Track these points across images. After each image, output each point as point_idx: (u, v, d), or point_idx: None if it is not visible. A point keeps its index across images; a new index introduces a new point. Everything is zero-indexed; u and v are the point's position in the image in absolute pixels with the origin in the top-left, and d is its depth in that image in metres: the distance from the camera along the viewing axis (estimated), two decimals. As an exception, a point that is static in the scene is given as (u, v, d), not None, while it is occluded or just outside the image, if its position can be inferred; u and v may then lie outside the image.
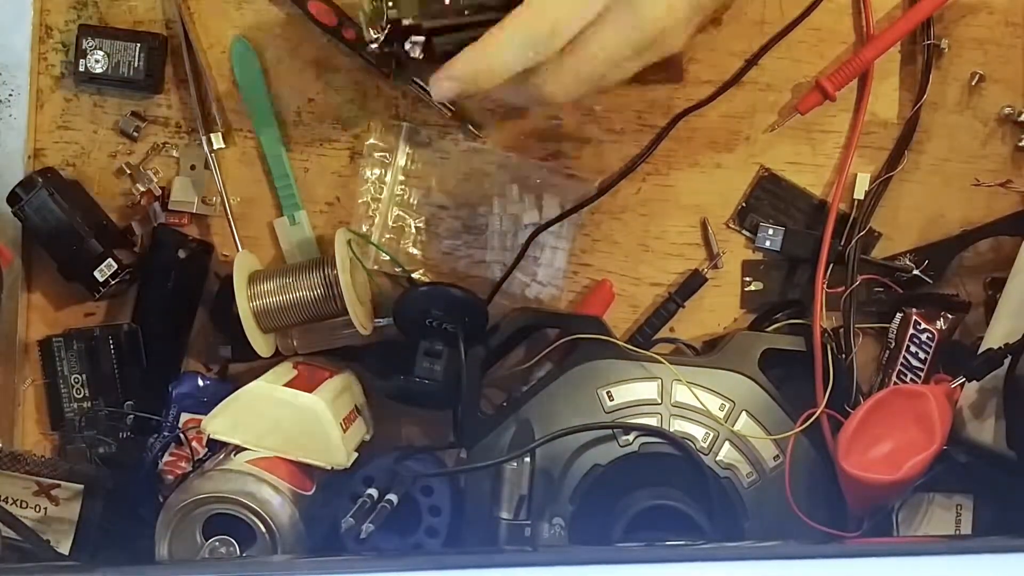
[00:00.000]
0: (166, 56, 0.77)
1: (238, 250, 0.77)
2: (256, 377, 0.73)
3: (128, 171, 0.77)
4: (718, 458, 0.72)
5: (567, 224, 0.77)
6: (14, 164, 0.77)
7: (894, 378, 0.75)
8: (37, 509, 0.72)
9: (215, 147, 0.77)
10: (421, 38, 0.61)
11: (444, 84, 0.61)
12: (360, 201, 0.78)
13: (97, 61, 0.75)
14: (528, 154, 0.77)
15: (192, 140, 0.78)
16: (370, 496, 0.69)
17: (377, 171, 0.78)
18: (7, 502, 0.71)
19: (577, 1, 0.59)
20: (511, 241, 0.77)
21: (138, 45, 0.75)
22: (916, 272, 0.76)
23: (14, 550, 0.69)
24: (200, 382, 0.77)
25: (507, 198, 0.77)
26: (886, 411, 0.69)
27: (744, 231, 0.78)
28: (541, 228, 0.76)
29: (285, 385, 0.72)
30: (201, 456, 0.75)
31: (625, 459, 0.71)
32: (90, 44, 0.75)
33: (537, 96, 0.62)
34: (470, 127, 0.77)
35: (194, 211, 0.78)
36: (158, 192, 0.78)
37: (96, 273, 0.74)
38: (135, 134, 0.77)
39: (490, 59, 0.60)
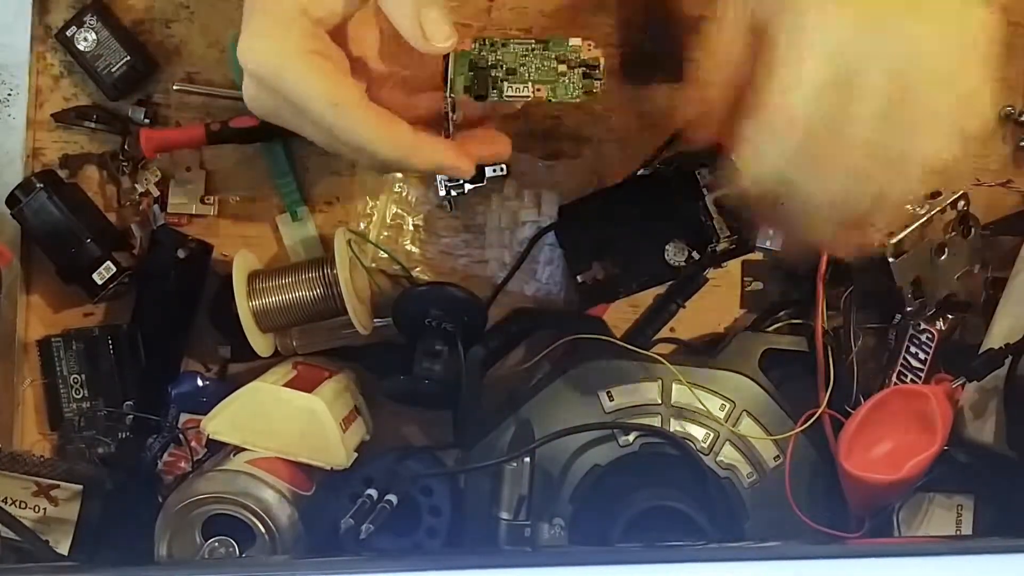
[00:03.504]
0: (143, 81, 0.77)
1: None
2: (256, 377, 0.73)
3: (127, 173, 0.77)
4: (718, 458, 0.72)
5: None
6: (13, 164, 0.77)
7: (894, 378, 0.75)
8: (36, 509, 0.72)
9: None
10: None
11: None
12: (358, 199, 0.78)
13: (84, 39, 0.74)
14: (528, 153, 0.77)
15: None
16: (370, 496, 0.69)
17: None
18: (6, 502, 0.71)
19: None
20: (509, 238, 0.77)
21: (127, 57, 0.75)
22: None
23: (13, 550, 0.69)
24: (199, 382, 0.77)
25: (505, 195, 0.77)
26: (887, 411, 0.69)
27: (744, 231, 0.78)
28: (545, 230, 0.76)
29: (284, 385, 0.72)
30: (200, 456, 0.75)
31: (625, 459, 0.71)
32: (91, 22, 0.74)
33: None
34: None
35: (192, 212, 0.78)
36: (156, 194, 0.78)
37: (95, 276, 0.74)
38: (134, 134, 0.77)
39: None
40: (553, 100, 0.61)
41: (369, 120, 0.59)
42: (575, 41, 0.61)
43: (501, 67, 0.61)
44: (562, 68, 0.61)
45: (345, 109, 0.58)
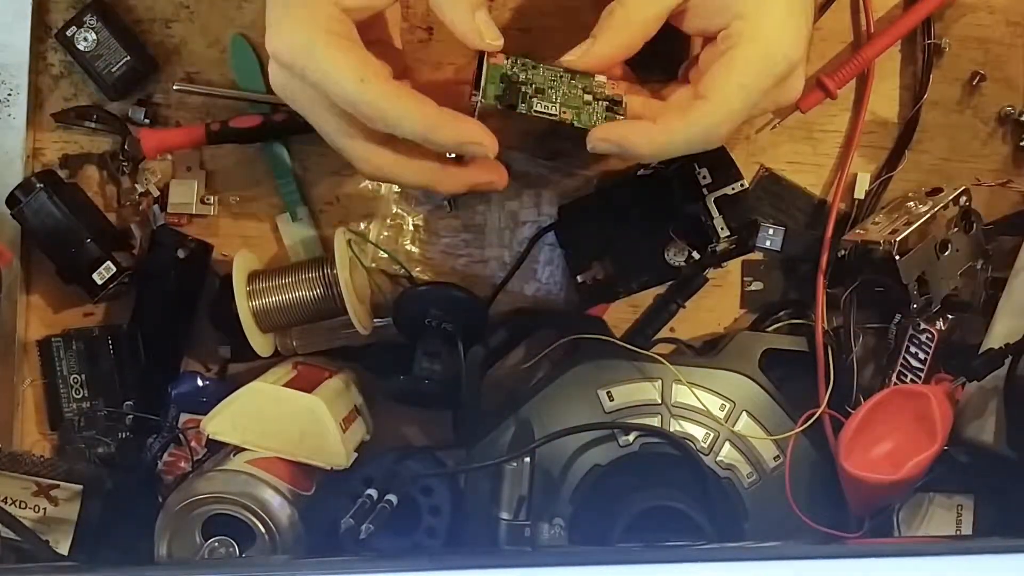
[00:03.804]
0: (143, 81, 0.77)
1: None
2: (255, 377, 0.73)
3: (127, 173, 0.77)
4: (718, 458, 0.72)
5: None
6: (13, 164, 0.77)
7: (894, 378, 0.75)
8: (36, 509, 0.72)
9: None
10: None
11: (601, 144, 0.63)
12: (358, 198, 0.78)
13: (84, 39, 0.74)
14: (527, 152, 0.77)
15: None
16: (370, 496, 0.69)
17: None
18: (6, 502, 0.71)
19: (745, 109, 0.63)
20: (509, 238, 0.77)
21: (127, 57, 0.75)
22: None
23: (13, 550, 0.69)
24: (199, 382, 0.77)
25: (505, 195, 0.77)
26: (887, 411, 0.69)
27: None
28: (545, 230, 0.76)
29: (284, 385, 0.72)
30: (200, 456, 0.75)
31: (625, 459, 0.71)
32: (90, 22, 0.74)
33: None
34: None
35: (192, 212, 0.78)
36: (156, 194, 0.78)
37: (95, 276, 0.74)
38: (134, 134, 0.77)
39: (663, 144, 0.63)
40: (578, 125, 0.64)
41: (393, 94, 0.61)
42: (600, 78, 0.64)
43: (531, 86, 0.64)
44: (588, 98, 0.64)
45: (371, 83, 0.60)
